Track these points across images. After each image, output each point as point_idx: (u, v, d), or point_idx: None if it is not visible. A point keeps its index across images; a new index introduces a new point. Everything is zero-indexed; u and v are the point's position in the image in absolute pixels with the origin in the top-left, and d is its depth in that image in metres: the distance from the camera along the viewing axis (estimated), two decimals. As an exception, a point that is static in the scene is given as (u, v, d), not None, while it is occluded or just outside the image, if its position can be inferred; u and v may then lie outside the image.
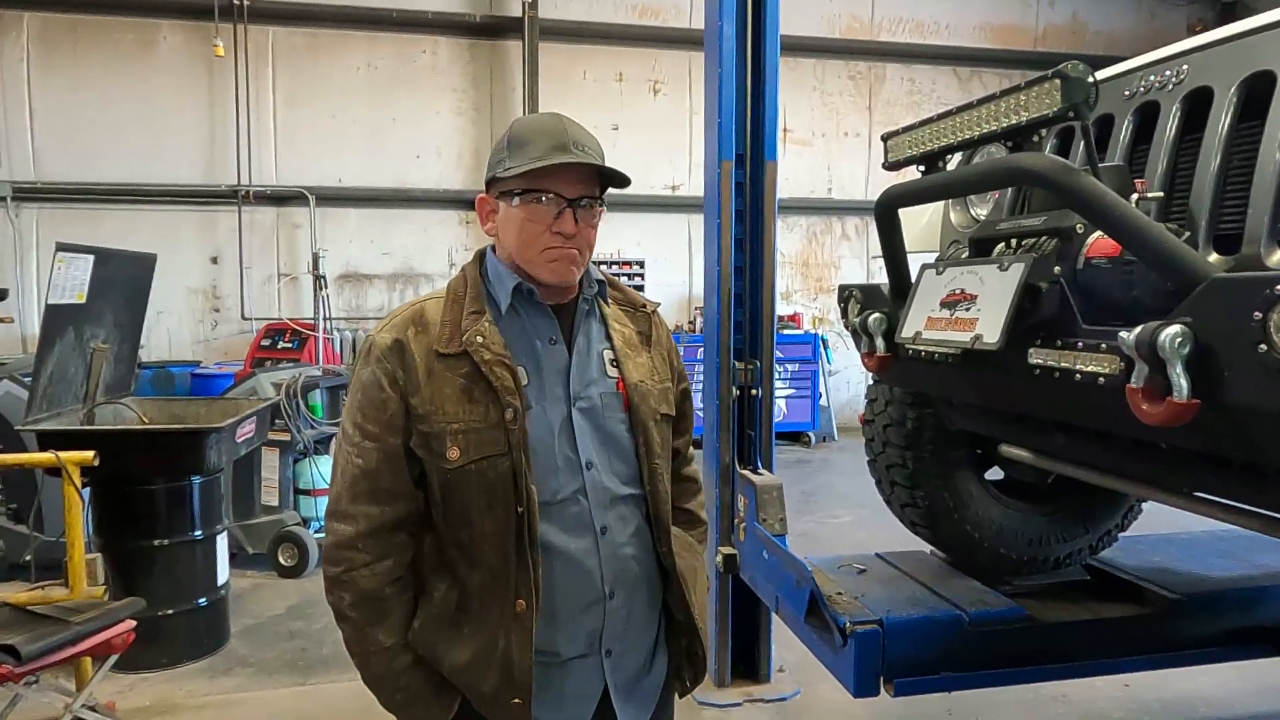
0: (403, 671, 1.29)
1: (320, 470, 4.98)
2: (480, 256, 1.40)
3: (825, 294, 9.41)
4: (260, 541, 4.70)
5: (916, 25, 9.22)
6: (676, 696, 1.49)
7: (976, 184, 1.82)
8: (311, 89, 7.99)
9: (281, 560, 4.66)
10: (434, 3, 8.13)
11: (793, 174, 8.74)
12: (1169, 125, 1.69)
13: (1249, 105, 1.54)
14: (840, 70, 9.18)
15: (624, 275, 8.41)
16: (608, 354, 1.38)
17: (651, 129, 8.64)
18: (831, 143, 9.28)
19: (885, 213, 1.98)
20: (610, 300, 1.44)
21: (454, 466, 1.24)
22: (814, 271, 9.46)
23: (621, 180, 1.32)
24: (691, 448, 1.61)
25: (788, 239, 9.14)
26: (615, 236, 8.66)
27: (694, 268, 8.82)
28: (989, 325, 1.57)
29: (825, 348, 8.96)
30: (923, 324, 1.80)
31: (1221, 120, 1.57)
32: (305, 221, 7.95)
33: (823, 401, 8.83)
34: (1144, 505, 2.87)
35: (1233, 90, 1.56)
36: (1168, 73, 1.72)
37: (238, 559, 4.43)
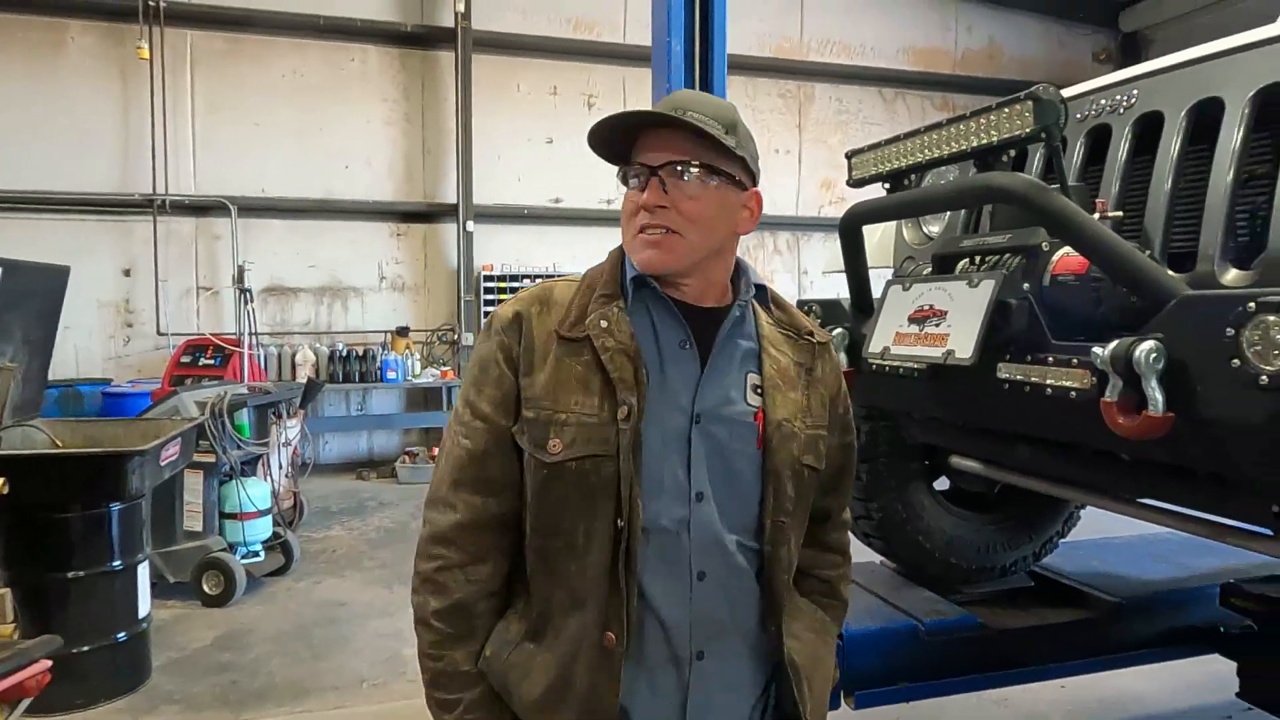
0: (473, 704, 1.14)
1: (248, 493, 4.75)
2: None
3: (758, 308, 9.54)
4: (183, 569, 4.45)
5: (844, 47, 9.48)
6: None
7: (951, 202, 1.86)
8: (234, 95, 7.69)
9: (206, 589, 4.42)
10: (363, 10, 7.94)
11: (726, 189, 8.84)
12: (1121, 148, 1.76)
13: (1198, 130, 1.62)
14: (771, 89, 9.36)
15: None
16: (753, 378, 1.17)
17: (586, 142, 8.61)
18: (763, 160, 9.32)
19: (850, 230, 2.00)
20: (772, 319, 1.23)
21: (553, 460, 1.09)
22: (747, 286, 9.57)
23: (713, 137, 1.09)
24: (848, 512, 1.40)
25: (721, 253, 9.22)
26: (550, 250, 8.60)
27: (629, 281, 8.82)
28: (961, 341, 1.60)
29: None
30: (891, 339, 1.82)
31: (1172, 144, 1.64)
32: (226, 232, 7.62)
33: (757, 414, 8.92)
34: (1081, 512, 2.99)
35: (1182, 115, 1.64)
36: (1118, 97, 1.79)
37: (158, 588, 4.18)
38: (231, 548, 4.65)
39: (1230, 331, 1.18)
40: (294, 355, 7.59)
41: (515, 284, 8.24)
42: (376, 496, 6.96)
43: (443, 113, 8.25)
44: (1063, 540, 2.99)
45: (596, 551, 1.09)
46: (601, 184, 8.51)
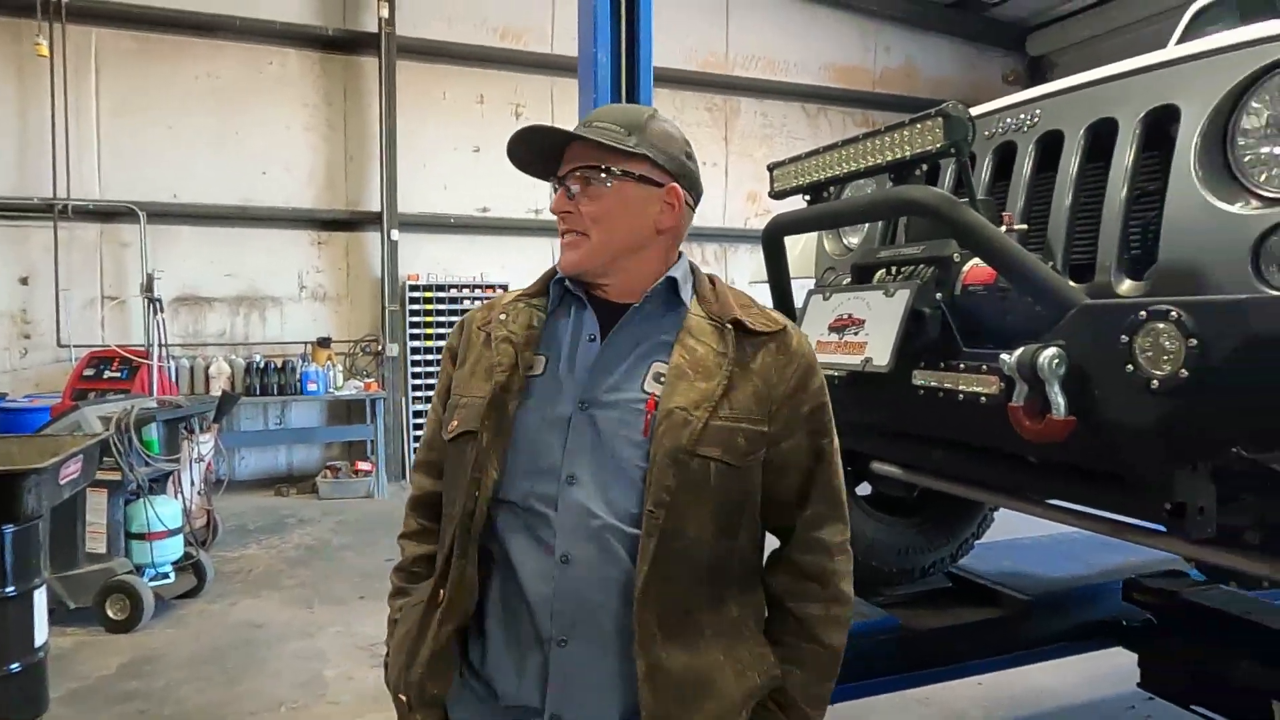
0: (391, 649, 1.30)
1: (157, 512, 4.53)
2: None
3: (687, 318, 9.63)
4: (84, 594, 4.21)
5: (768, 62, 9.69)
6: None
7: (867, 214, 1.91)
8: (144, 97, 7.36)
9: (110, 614, 4.20)
10: (283, 13, 7.72)
11: (654, 200, 8.90)
12: (1025, 164, 1.84)
13: (1095, 148, 1.71)
14: (698, 102, 9.48)
15: (487, 300, 8.23)
16: (658, 367, 1.16)
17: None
18: (691, 171, 9.54)
19: (772, 240, 2.04)
20: (703, 310, 1.20)
21: (449, 438, 1.21)
22: (676, 296, 9.66)
23: (594, 142, 1.16)
24: (832, 532, 1.21)
25: (650, 264, 9.28)
26: (478, 260, 8.51)
27: (558, 292, 8.80)
28: (878, 348, 1.65)
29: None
30: (813, 347, 1.85)
31: (1072, 161, 1.73)
32: (135, 239, 7.28)
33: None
34: (994, 514, 3.10)
35: (1081, 134, 1.72)
36: (1023, 116, 1.87)
37: (56, 615, 3.95)
38: (138, 570, 4.43)
39: (1124, 339, 1.24)
40: (208, 367, 7.30)
41: (442, 294, 8.12)
42: (296, 513, 6.74)
43: (366, 119, 8.09)
44: (978, 541, 3.10)
45: (458, 518, 1.17)
46: (530, 193, 8.48)
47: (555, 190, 1.22)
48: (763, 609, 1.22)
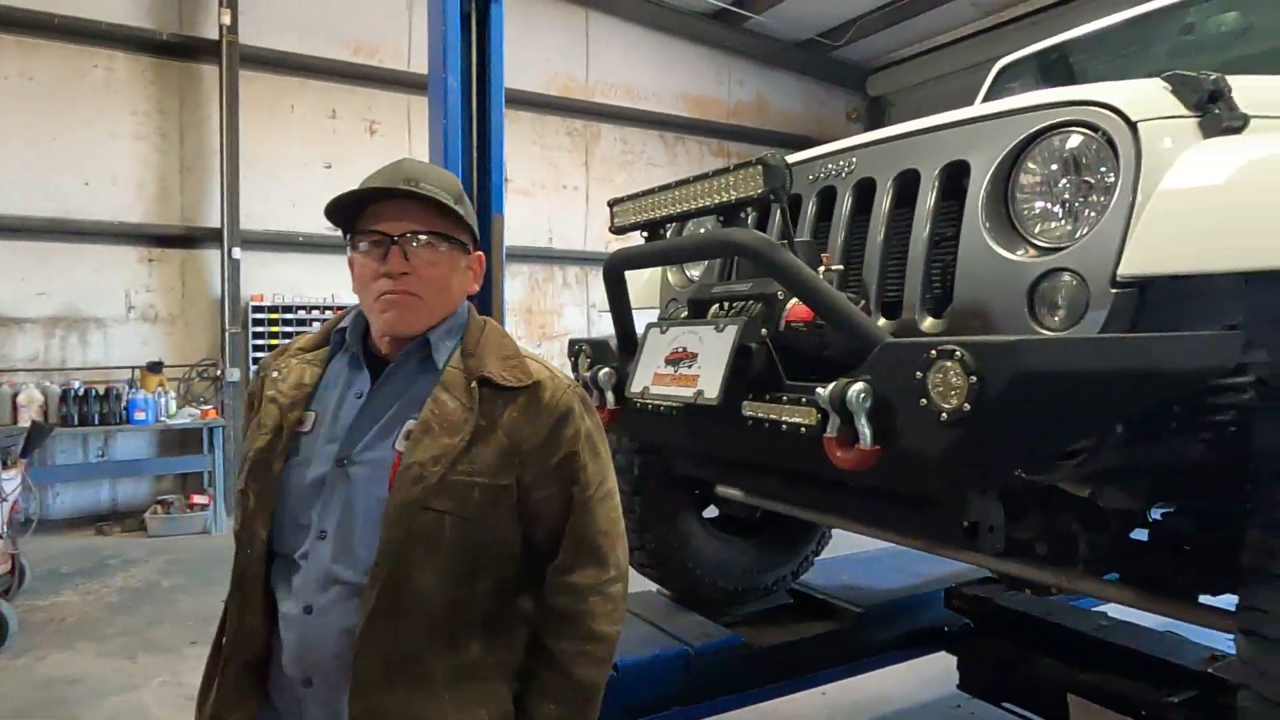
0: None
1: (-52, 559, 4.06)
2: None
3: (548, 340, 9.62)
4: None
5: (627, 90, 9.89)
6: None
7: (696, 253, 2.00)
8: (-61, 96, 6.65)
9: (-113, 678, 3.71)
10: (110, 13, 7.17)
11: (516, 223, 8.86)
12: (843, 208, 1.98)
13: (903, 195, 1.86)
14: (559, 126, 9.55)
15: (340, 321, 7.93)
16: (410, 424, 1.20)
17: (369, 170, 8.22)
18: (552, 195, 9.58)
19: (613, 274, 2.09)
20: (463, 365, 1.24)
21: (237, 491, 1.26)
22: (537, 319, 9.64)
23: (446, 206, 1.21)
24: (585, 576, 1.25)
25: (511, 286, 9.23)
26: (330, 280, 8.16)
27: (416, 314, 8.57)
28: (709, 381, 1.72)
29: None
30: (650, 380, 1.91)
31: (882, 207, 1.88)
32: (-72, 254, 6.54)
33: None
34: (833, 532, 3.28)
35: (890, 182, 1.87)
36: (841, 163, 2.02)
37: None
38: (-74, 623, 3.95)
39: (919, 374, 1.36)
40: (15, 395, 6.59)
41: (289, 315, 7.73)
42: (120, 553, 6.19)
43: (205, 130, 7.62)
44: (818, 558, 3.26)
45: (234, 573, 1.25)
46: (385, 213, 8.20)
47: (371, 247, 1.22)
48: (516, 650, 1.26)
